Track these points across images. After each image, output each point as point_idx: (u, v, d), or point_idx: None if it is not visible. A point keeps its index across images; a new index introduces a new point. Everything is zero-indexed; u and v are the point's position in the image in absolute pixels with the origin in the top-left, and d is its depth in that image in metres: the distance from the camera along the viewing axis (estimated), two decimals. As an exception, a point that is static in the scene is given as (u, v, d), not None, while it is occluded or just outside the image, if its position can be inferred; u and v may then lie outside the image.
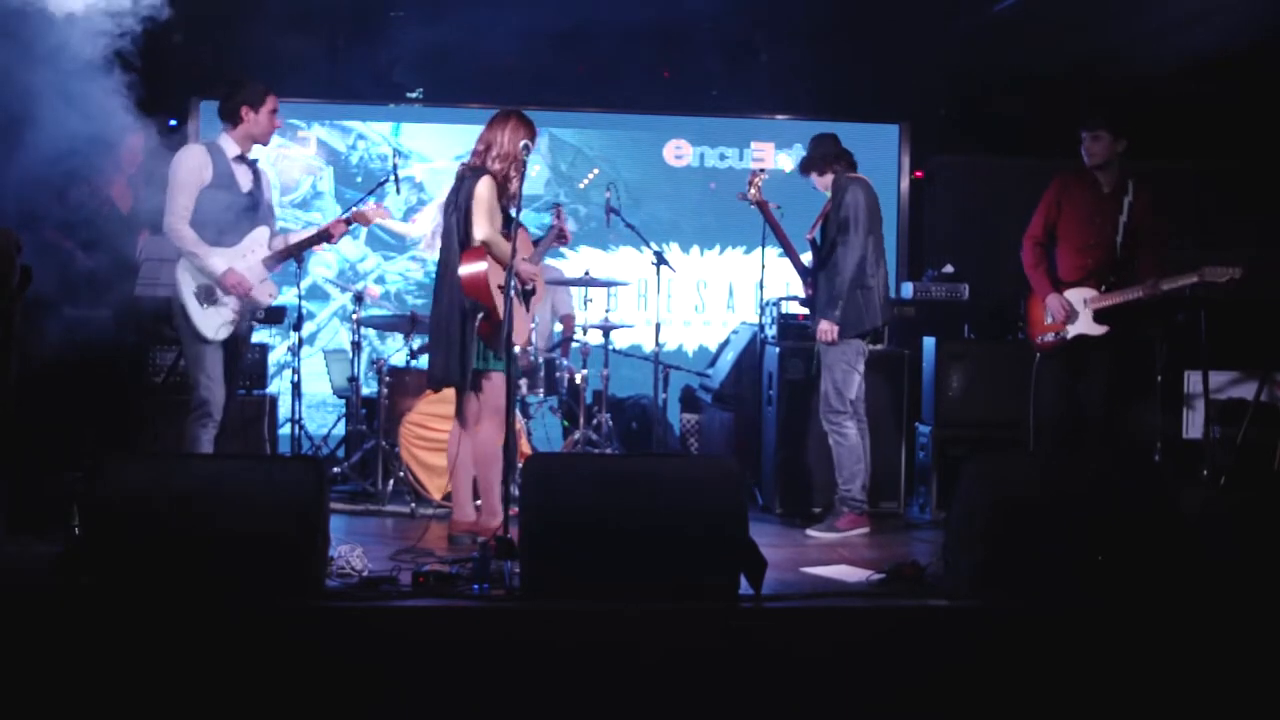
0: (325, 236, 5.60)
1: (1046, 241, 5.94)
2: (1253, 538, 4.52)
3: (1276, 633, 4.13)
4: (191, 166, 5.29)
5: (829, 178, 6.08)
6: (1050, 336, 5.84)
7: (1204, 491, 6.08)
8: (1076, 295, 5.79)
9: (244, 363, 5.60)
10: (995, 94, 8.34)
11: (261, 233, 5.46)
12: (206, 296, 5.30)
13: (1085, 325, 5.75)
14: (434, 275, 5.48)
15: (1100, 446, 5.70)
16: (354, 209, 5.91)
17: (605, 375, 6.89)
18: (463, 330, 5.21)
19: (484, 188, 5.20)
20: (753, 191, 6.08)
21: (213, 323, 5.30)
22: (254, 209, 5.46)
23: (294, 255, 5.68)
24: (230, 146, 5.41)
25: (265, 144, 5.55)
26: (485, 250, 5.18)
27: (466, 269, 5.18)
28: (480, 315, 5.18)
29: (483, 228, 5.19)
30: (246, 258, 5.38)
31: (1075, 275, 5.82)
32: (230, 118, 5.40)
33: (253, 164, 5.52)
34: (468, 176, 5.28)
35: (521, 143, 5.20)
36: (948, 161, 8.65)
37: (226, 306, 5.32)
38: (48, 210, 6.04)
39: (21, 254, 4.99)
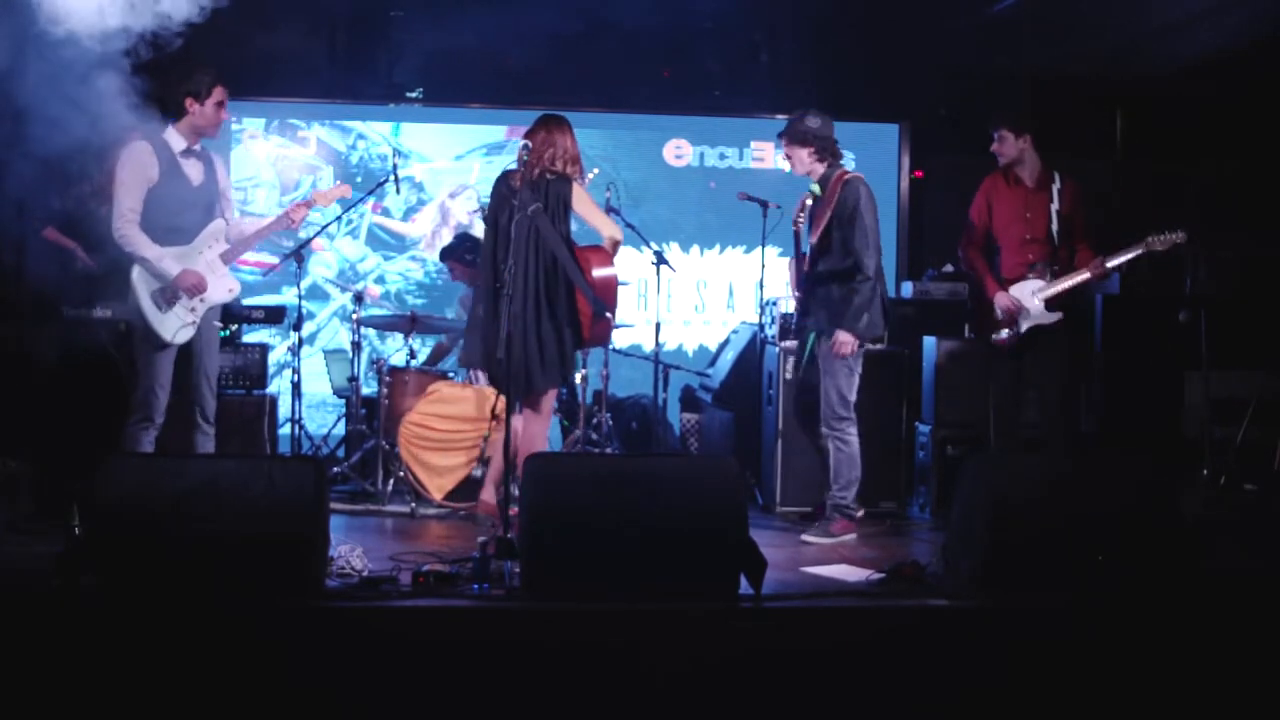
0: (286, 222, 5.44)
1: (983, 244, 6.05)
2: (1253, 538, 4.52)
3: (1276, 633, 4.13)
4: (136, 166, 5.11)
5: (819, 169, 5.75)
6: (1004, 334, 5.91)
7: (1204, 491, 6.10)
8: (1024, 289, 5.87)
9: (214, 361, 5.38)
10: (995, 94, 8.33)
11: (216, 227, 5.30)
12: (164, 299, 5.18)
13: (1038, 316, 5.83)
14: (499, 282, 5.14)
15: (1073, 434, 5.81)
16: (313, 191, 5.80)
17: (605, 375, 6.89)
18: (560, 333, 5.23)
19: (583, 191, 5.25)
20: (801, 217, 5.74)
21: (172, 326, 5.18)
22: (206, 203, 5.30)
23: (252, 245, 5.49)
24: (176, 140, 5.21)
25: (214, 137, 5.33)
26: (613, 251, 5.26)
27: (602, 272, 5.17)
28: (606, 317, 5.21)
29: (613, 227, 5.29)
30: (203, 254, 5.25)
31: (1018, 271, 5.91)
32: (175, 110, 5.20)
33: (202, 154, 5.32)
34: (548, 180, 5.17)
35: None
36: (948, 161, 8.64)
37: (185, 308, 5.19)
38: (49, 209, 6.04)
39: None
